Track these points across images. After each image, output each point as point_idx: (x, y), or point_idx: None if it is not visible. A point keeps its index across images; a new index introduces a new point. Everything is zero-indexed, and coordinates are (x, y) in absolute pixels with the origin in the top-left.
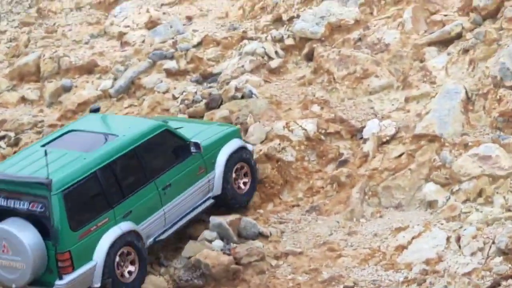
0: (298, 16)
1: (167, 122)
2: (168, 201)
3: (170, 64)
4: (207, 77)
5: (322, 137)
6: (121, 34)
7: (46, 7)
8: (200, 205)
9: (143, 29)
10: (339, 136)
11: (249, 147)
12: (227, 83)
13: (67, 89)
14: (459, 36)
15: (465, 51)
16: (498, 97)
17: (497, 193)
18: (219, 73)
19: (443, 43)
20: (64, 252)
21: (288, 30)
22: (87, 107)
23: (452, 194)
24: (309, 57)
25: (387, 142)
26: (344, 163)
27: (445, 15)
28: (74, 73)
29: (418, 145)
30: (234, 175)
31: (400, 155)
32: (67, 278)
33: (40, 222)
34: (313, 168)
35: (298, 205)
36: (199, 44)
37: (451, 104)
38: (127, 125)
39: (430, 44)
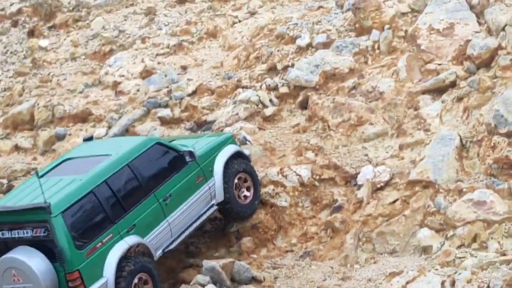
0: (292, 65)
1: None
2: (171, 211)
3: (164, 112)
4: (201, 125)
5: (316, 183)
6: (116, 83)
7: (41, 57)
8: (204, 213)
9: (138, 79)
10: (333, 183)
11: (246, 151)
12: (221, 130)
13: (61, 138)
14: (453, 84)
15: (459, 99)
16: (492, 144)
17: (491, 238)
18: (214, 121)
19: (437, 91)
20: (73, 272)
21: (282, 79)
22: None
23: (446, 239)
24: (304, 105)
25: (382, 188)
26: (338, 209)
27: (439, 64)
28: (68, 121)
29: (413, 191)
30: (235, 184)
31: (395, 201)
32: None
33: (46, 247)
34: (307, 214)
35: (292, 251)
36: (193, 92)
37: (446, 151)
38: (120, 145)
39: (424, 92)
